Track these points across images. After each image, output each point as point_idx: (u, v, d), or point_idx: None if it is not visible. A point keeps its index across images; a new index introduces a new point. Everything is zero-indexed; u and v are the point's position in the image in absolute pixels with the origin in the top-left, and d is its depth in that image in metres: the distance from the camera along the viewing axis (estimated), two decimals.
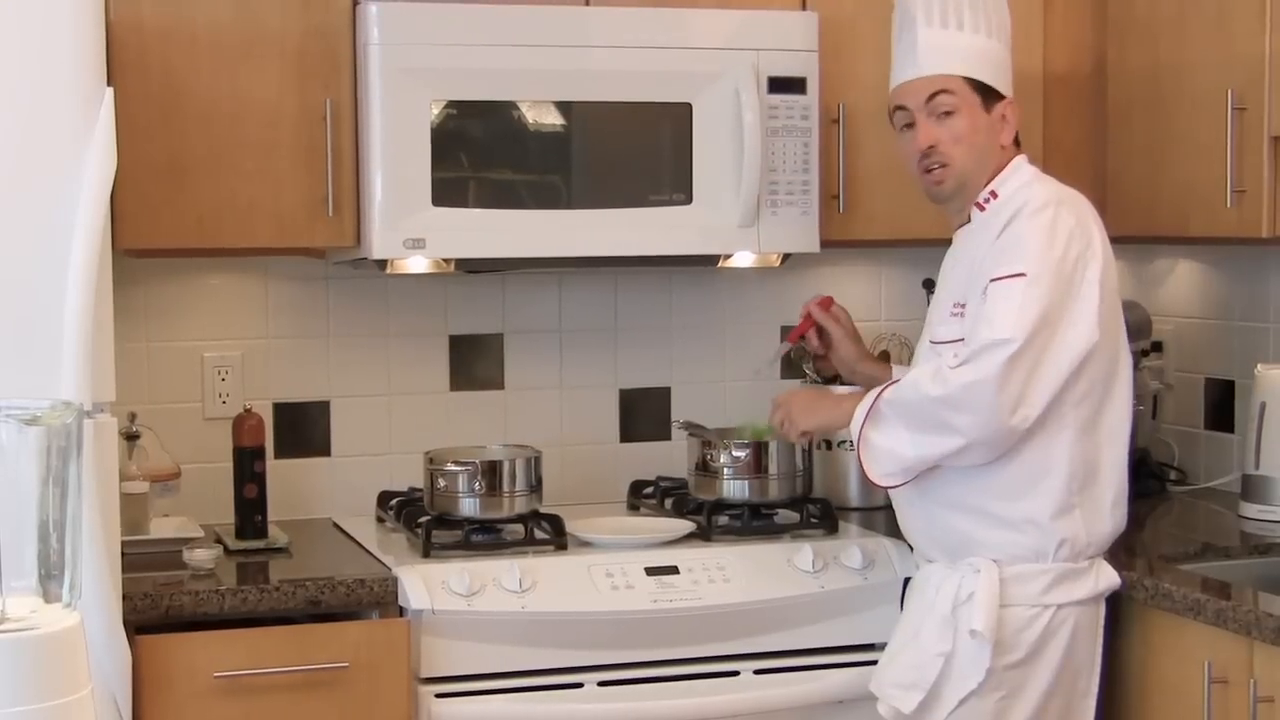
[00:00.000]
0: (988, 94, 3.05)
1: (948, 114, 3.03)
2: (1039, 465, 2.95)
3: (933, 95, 3.04)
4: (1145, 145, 3.65)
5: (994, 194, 3.06)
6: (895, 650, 3.08)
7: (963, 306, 3.00)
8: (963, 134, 3.03)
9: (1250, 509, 3.60)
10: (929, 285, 3.22)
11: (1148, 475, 3.94)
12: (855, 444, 3.03)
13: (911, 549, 3.22)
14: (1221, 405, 3.96)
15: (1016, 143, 3.12)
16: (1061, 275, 2.91)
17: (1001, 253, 2.94)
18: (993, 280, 2.92)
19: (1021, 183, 3.06)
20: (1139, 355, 3.97)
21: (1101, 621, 3.06)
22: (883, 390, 3.00)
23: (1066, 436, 2.96)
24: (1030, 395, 2.89)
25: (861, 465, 3.04)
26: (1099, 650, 3.05)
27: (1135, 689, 3.13)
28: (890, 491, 3.16)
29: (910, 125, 3.07)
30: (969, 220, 3.09)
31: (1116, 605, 3.11)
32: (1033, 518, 2.96)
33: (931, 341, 3.07)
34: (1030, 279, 2.89)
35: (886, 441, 2.98)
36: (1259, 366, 3.65)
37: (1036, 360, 2.89)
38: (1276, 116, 3.28)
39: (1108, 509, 3.03)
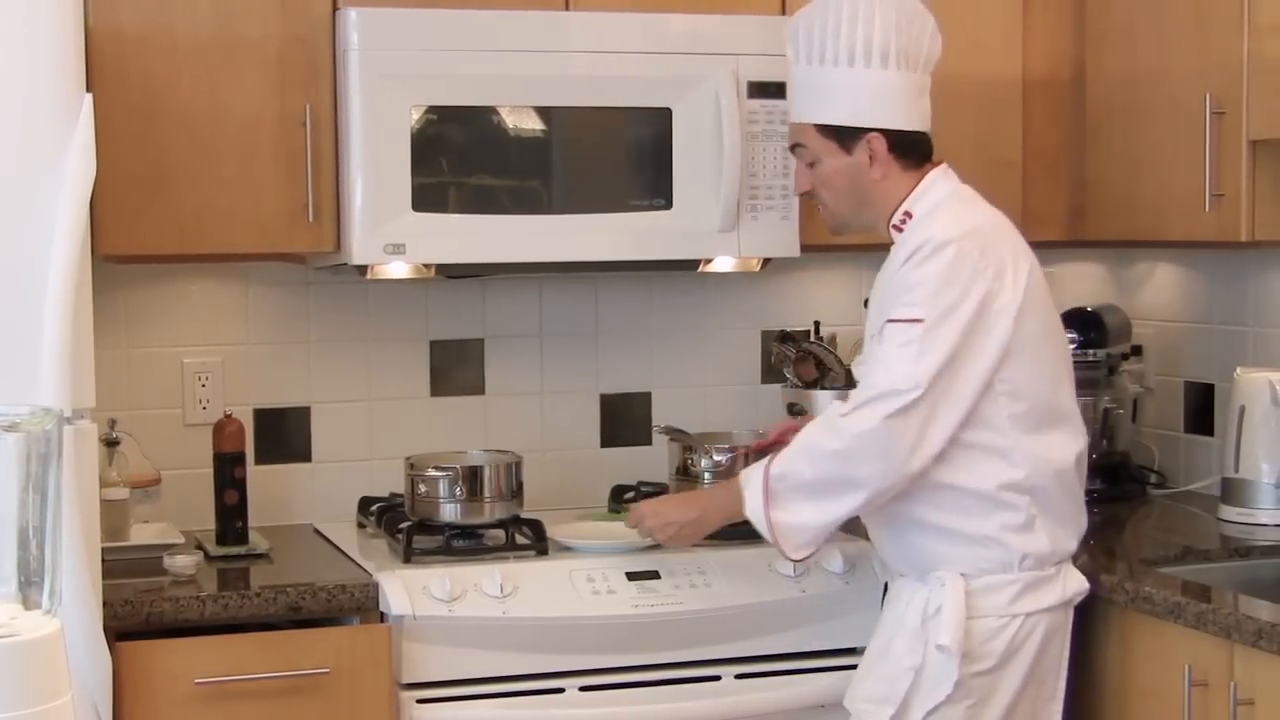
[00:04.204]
0: (845, 134, 3.01)
1: (811, 162, 3.06)
2: (997, 484, 2.94)
3: (793, 146, 3.11)
4: (1124, 150, 3.66)
5: (908, 214, 3.02)
6: (868, 665, 3.07)
7: (874, 338, 2.99)
8: (826, 179, 3.06)
9: (1230, 512, 3.61)
10: (867, 304, 3.18)
11: (1128, 478, 3.96)
12: (764, 530, 2.98)
13: (884, 564, 3.22)
14: (1201, 408, 3.97)
15: (928, 156, 3.05)
16: (960, 318, 2.87)
17: (900, 292, 2.91)
18: (889, 320, 2.90)
19: (934, 201, 3.01)
20: (1119, 358, 3.99)
21: (1069, 626, 3.06)
22: (768, 467, 2.96)
23: (1020, 454, 2.94)
24: (927, 438, 2.87)
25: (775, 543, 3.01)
26: (1066, 655, 3.05)
27: (1115, 692, 3.14)
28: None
29: None
30: (893, 241, 3.07)
31: (1096, 608, 3.12)
32: (995, 535, 2.95)
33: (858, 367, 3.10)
34: (929, 325, 2.86)
35: (791, 518, 2.95)
36: (1238, 370, 3.66)
37: (935, 404, 2.87)
38: (1255, 120, 3.30)
39: (1070, 517, 3.02)
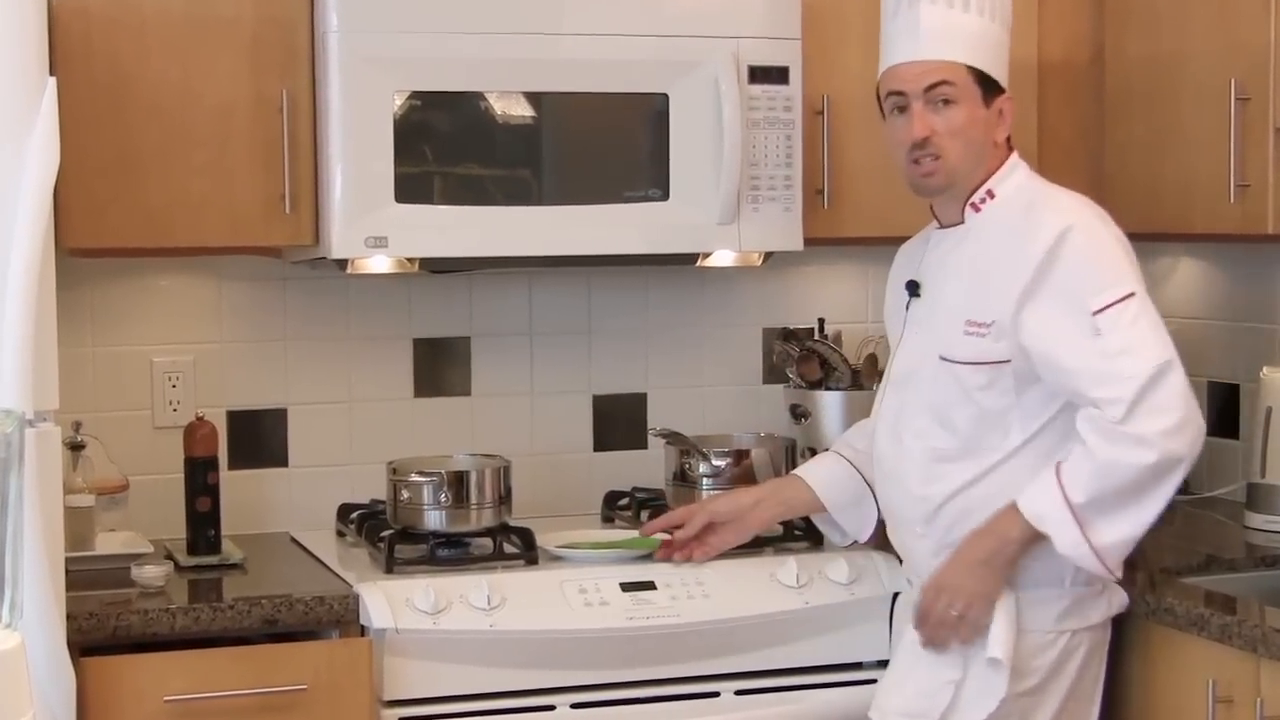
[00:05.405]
0: (988, 86, 3.01)
1: (946, 103, 2.98)
2: None
3: (934, 84, 2.97)
4: (1145, 137, 3.65)
5: (990, 194, 3.03)
6: (899, 675, 3.05)
7: (981, 326, 2.95)
8: (960, 127, 2.98)
9: (1256, 519, 3.61)
10: (913, 288, 3.15)
11: None
12: (1087, 559, 2.87)
13: (904, 567, 3.21)
14: (1225, 410, 3.96)
15: (1008, 141, 3.08)
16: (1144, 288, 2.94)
17: (1084, 280, 2.89)
18: (1098, 312, 2.86)
19: (1019, 184, 3.04)
20: None
21: (1107, 645, 3.06)
22: (1068, 498, 2.85)
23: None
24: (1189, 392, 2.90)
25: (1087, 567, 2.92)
26: (1102, 675, 3.05)
27: (1136, 708, 3.13)
28: (890, 521, 3.15)
29: (903, 110, 3.01)
30: (961, 221, 3.06)
31: (1116, 620, 3.11)
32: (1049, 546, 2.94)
33: (942, 358, 3.00)
34: (1140, 295, 2.89)
35: (1113, 536, 2.87)
36: (1265, 369, 3.65)
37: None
38: None
39: None
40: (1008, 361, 2.93)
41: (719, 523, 3.33)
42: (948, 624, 2.93)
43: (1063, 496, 2.85)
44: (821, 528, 3.41)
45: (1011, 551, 2.91)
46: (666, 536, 3.39)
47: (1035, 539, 2.89)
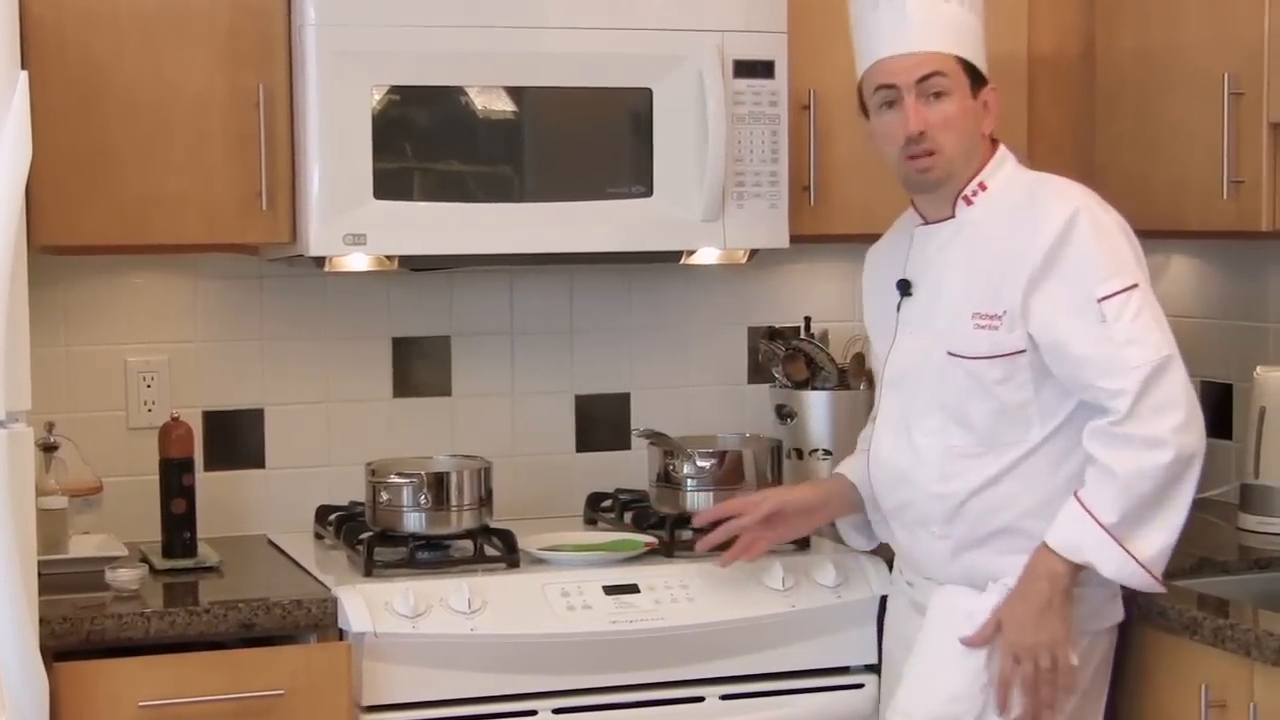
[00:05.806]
0: (975, 77, 3.02)
1: (938, 95, 2.98)
2: (1074, 479, 2.93)
3: (927, 75, 2.97)
4: (1136, 132, 3.66)
5: (982, 186, 3.04)
6: (924, 676, 3.00)
7: (993, 318, 2.95)
8: (953, 119, 2.99)
9: (1249, 520, 3.62)
10: (905, 287, 3.14)
11: None
12: (1137, 578, 2.89)
13: (904, 569, 3.19)
14: (1219, 410, 3.96)
15: (992, 135, 3.10)
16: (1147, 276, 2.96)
17: (1092, 267, 2.90)
18: (1103, 299, 2.88)
19: (1009, 175, 3.05)
20: None
21: (1114, 648, 3.07)
22: (1098, 520, 2.85)
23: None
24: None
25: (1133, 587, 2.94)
26: (1108, 679, 3.06)
27: (1128, 713, 3.13)
28: (896, 523, 3.14)
29: (892, 104, 3.01)
30: (951, 215, 3.07)
31: None
32: None
33: (950, 354, 3.00)
34: (1143, 287, 2.91)
35: (1155, 546, 2.88)
36: (1258, 369, 3.66)
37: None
38: (1276, 102, 3.30)
39: None
40: (1023, 352, 2.94)
41: (788, 513, 3.27)
42: (1045, 681, 2.89)
43: (1094, 522, 2.86)
44: (846, 532, 3.36)
45: (1065, 585, 2.89)
46: (653, 540, 3.40)
47: (1079, 570, 2.89)
